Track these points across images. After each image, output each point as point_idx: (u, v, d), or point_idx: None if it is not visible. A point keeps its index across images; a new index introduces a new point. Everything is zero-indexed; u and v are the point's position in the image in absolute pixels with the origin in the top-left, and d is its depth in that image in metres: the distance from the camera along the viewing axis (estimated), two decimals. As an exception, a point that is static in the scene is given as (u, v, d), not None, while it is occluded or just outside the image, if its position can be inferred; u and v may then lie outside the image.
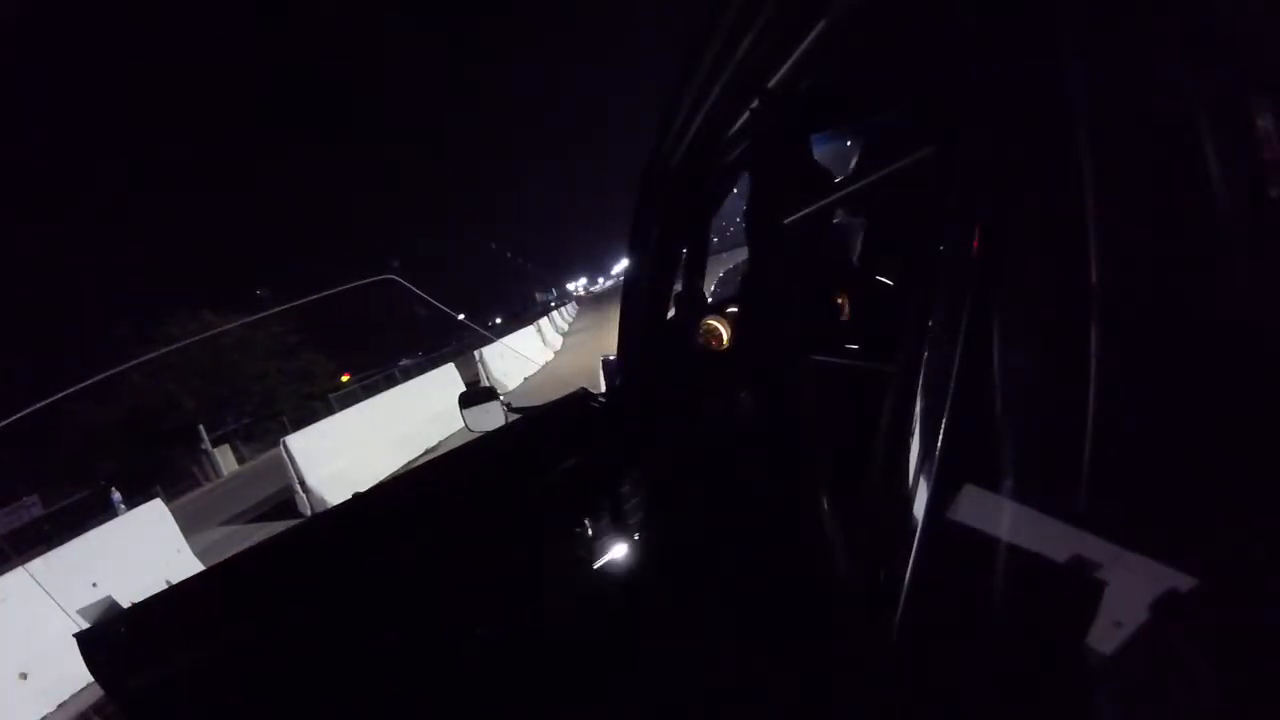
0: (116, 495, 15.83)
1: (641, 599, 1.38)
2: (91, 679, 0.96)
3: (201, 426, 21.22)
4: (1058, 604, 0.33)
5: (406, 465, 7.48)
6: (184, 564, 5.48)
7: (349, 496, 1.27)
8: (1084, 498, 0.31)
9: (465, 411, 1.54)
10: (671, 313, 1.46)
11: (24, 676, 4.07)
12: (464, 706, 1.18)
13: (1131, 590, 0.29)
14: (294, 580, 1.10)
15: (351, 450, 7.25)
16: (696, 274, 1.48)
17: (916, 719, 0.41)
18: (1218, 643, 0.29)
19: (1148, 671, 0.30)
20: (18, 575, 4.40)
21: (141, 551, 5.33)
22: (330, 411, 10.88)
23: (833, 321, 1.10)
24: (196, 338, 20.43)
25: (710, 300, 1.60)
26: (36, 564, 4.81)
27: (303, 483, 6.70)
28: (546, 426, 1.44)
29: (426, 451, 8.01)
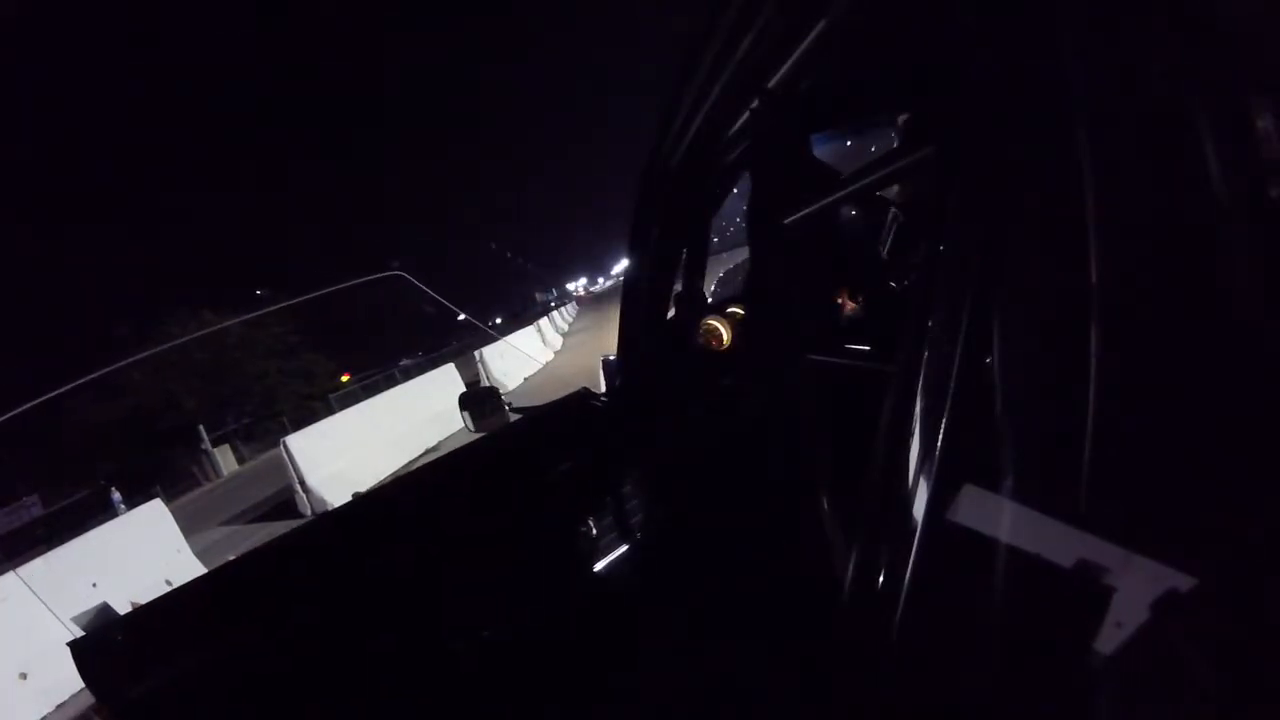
0: (116, 495, 15.82)
1: (641, 599, 1.38)
2: (90, 683, 0.95)
3: (201, 426, 21.22)
4: (1057, 604, 0.33)
5: (406, 465, 7.48)
6: (184, 564, 5.48)
7: (349, 497, 1.27)
8: (1084, 498, 0.31)
9: (466, 411, 1.55)
10: (671, 313, 1.46)
11: (24, 677, 4.07)
12: (465, 707, 1.18)
13: (1131, 590, 0.29)
14: (294, 584, 1.10)
15: (352, 450, 7.25)
16: (696, 274, 1.48)
17: (916, 719, 0.41)
18: (1218, 643, 0.29)
19: (1148, 671, 0.30)
20: (19, 574, 4.41)
21: (141, 552, 5.32)
22: (330, 411, 10.89)
23: (833, 321, 1.10)
24: (196, 334, 20.43)
25: (710, 300, 1.60)
26: (37, 564, 4.81)
27: (303, 483, 6.70)
28: (547, 426, 1.45)
29: (427, 452, 8.02)
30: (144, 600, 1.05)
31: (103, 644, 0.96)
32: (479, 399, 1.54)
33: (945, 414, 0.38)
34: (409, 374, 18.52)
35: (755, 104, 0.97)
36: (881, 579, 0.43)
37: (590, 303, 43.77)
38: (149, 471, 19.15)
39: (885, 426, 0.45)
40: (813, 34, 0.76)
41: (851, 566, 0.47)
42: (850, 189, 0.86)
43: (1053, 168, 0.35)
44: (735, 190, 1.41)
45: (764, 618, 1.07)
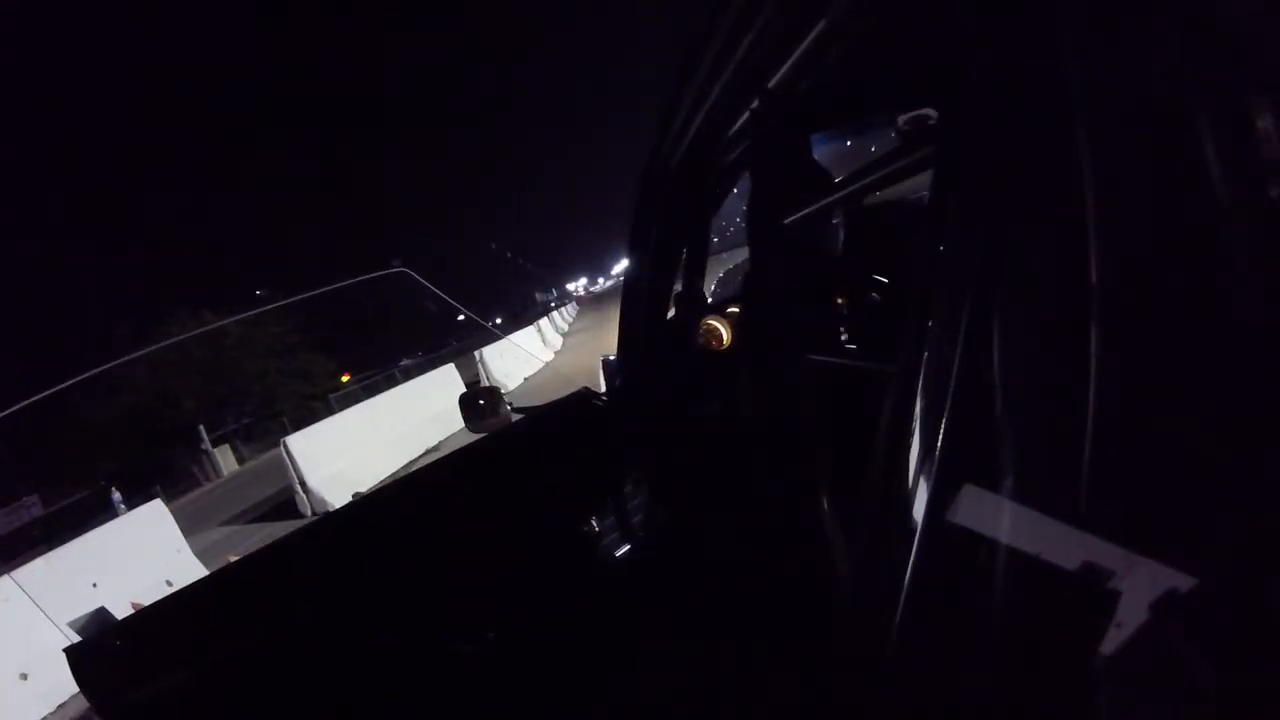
0: (116, 495, 15.83)
1: (641, 599, 1.38)
2: (90, 684, 0.95)
3: (202, 426, 21.23)
4: (1057, 604, 0.33)
5: (407, 466, 7.48)
6: (184, 564, 5.48)
7: (349, 497, 1.27)
8: (1084, 498, 0.31)
9: (466, 411, 1.54)
10: (671, 313, 1.46)
11: (24, 677, 4.07)
12: (465, 707, 1.18)
13: (1131, 590, 0.29)
14: (294, 585, 1.10)
15: (352, 450, 7.26)
16: (696, 274, 1.48)
17: (916, 719, 0.41)
18: (1218, 643, 0.29)
19: (1148, 671, 0.30)
20: (19, 575, 4.41)
21: (142, 552, 5.32)
22: (330, 411, 10.89)
23: (833, 321, 1.10)
24: (196, 332, 20.40)
25: (710, 300, 1.60)
26: (37, 564, 4.81)
27: (303, 483, 6.70)
28: (547, 426, 1.45)
29: (427, 452, 8.02)
30: (144, 600, 1.05)
31: (99, 650, 0.96)
32: (479, 399, 1.54)
33: (945, 414, 0.38)
34: (409, 374, 18.52)
35: (755, 104, 0.97)
36: (881, 579, 0.43)
37: (590, 303, 43.77)
38: (149, 471, 19.16)
39: (885, 426, 0.45)
40: (813, 34, 0.76)
41: (851, 566, 0.47)
42: (850, 189, 0.86)
43: (1053, 168, 0.35)
44: (735, 190, 1.41)
45: (764, 618, 1.06)
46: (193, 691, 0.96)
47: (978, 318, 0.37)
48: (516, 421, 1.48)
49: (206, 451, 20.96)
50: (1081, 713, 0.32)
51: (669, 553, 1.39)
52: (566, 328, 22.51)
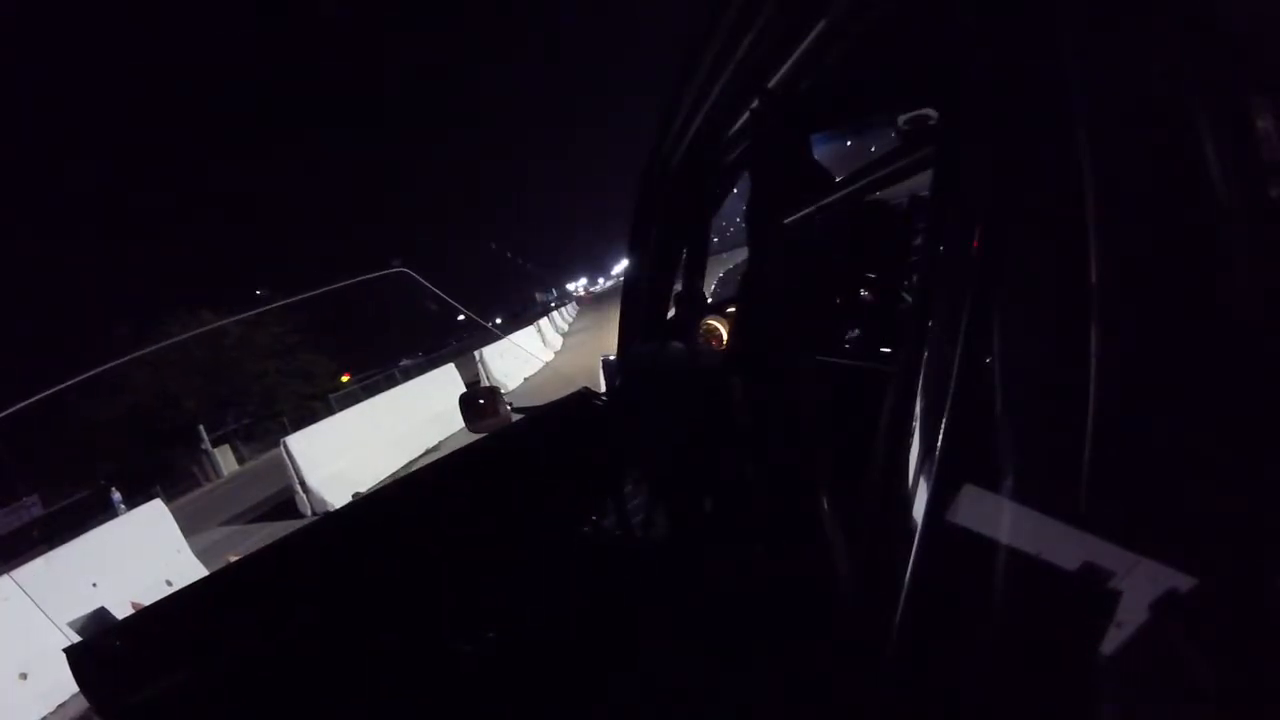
0: (116, 495, 15.83)
1: (641, 599, 1.38)
2: (90, 684, 0.95)
3: (202, 426, 21.23)
4: (1057, 604, 0.33)
5: (407, 465, 7.48)
6: (184, 564, 5.48)
7: (349, 497, 1.28)
8: (1084, 498, 0.31)
9: (466, 411, 1.54)
10: (671, 313, 1.46)
11: (24, 677, 4.07)
12: (465, 707, 1.18)
13: (1131, 590, 0.29)
14: (294, 585, 1.10)
15: (352, 451, 7.25)
16: (696, 274, 1.48)
17: (916, 719, 0.41)
18: (1218, 643, 0.29)
19: (1148, 671, 0.30)
20: (19, 575, 4.40)
21: (142, 552, 5.32)
22: (330, 411, 10.89)
23: (833, 321, 1.10)
24: (196, 331, 20.39)
25: (710, 300, 1.60)
26: (38, 564, 4.80)
27: (303, 483, 6.70)
28: (547, 426, 1.45)
29: (427, 452, 8.02)
30: (144, 600, 1.05)
31: (99, 650, 0.96)
32: (479, 399, 1.53)
33: (945, 414, 0.38)
34: (409, 374, 18.52)
35: (755, 104, 0.97)
36: (881, 579, 0.43)
37: (590, 303, 43.76)
38: (149, 471, 19.17)
39: (885, 426, 0.45)
40: (813, 34, 0.76)
41: (851, 566, 0.47)
42: (850, 189, 0.86)
43: (1053, 168, 0.35)
44: (735, 190, 1.41)
45: (764, 618, 1.06)
46: (193, 692, 0.96)
47: (978, 318, 0.37)
48: (516, 421, 1.48)
49: (206, 451, 20.96)
50: (1081, 713, 0.32)
51: (669, 553, 1.39)
52: (566, 328, 22.51)
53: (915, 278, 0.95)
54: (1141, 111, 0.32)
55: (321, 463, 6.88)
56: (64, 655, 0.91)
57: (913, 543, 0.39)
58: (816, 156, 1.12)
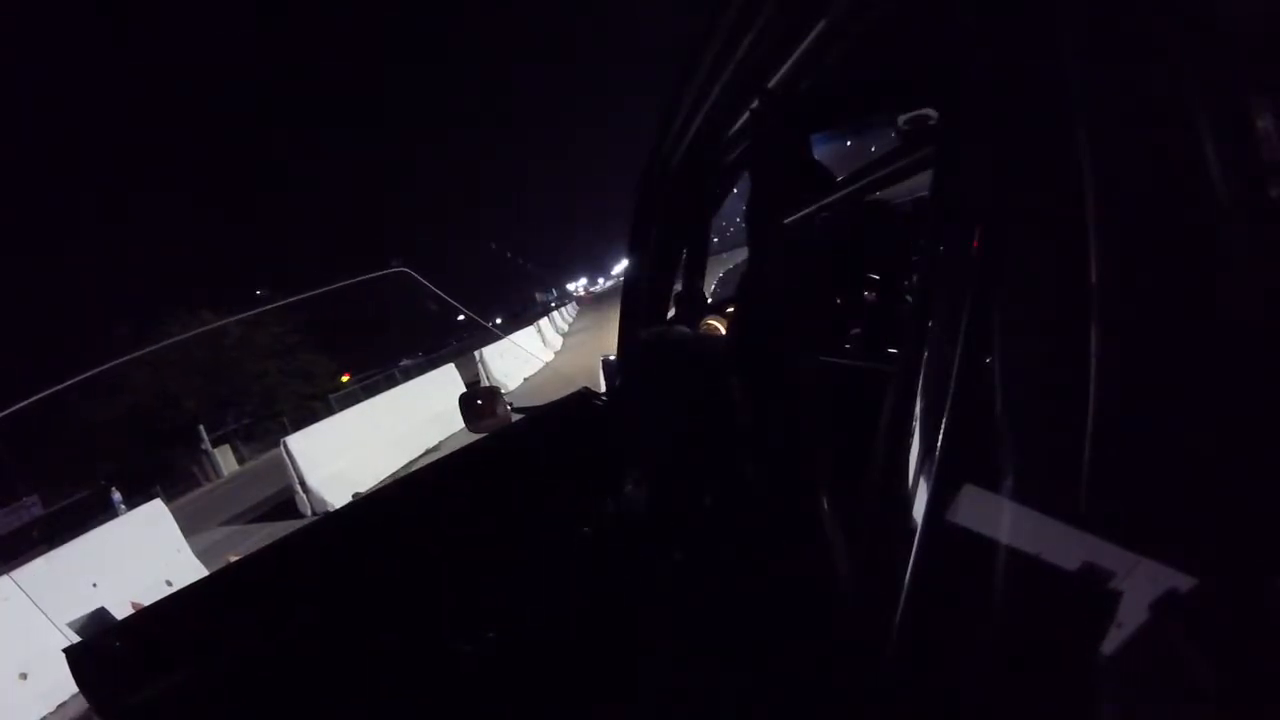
0: (116, 495, 15.83)
1: (641, 599, 1.38)
2: (90, 685, 0.95)
3: (202, 426, 21.24)
4: (1057, 604, 0.33)
5: (407, 466, 7.48)
6: (184, 564, 5.48)
7: (349, 497, 1.28)
8: (1084, 498, 0.31)
9: (466, 411, 1.54)
10: (671, 313, 1.46)
11: (24, 677, 4.07)
12: (465, 707, 1.18)
13: (1131, 590, 0.29)
14: (295, 585, 1.10)
15: (352, 451, 7.25)
16: (696, 274, 1.48)
17: (916, 719, 0.41)
18: (1218, 643, 0.29)
19: (1148, 671, 0.30)
20: (19, 575, 4.40)
21: (142, 552, 5.33)
22: (330, 411, 10.90)
23: (833, 321, 1.10)
24: (196, 331, 20.40)
25: (710, 300, 1.60)
26: (38, 564, 4.81)
27: (303, 483, 6.70)
28: (547, 426, 1.45)
29: (427, 452, 8.02)
30: (144, 600, 1.05)
31: (99, 650, 0.96)
32: (479, 399, 1.53)
33: (945, 414, 0.38)
34: (409, 374, 18.52)
35: (755, 104, 0.97)
36: (881, 579, 0.43)
37: (590, 303, 43.76)
38: (149, 471, 19.18)
39: (885, 426, 0.45)
40: (813, 34, 0.76)
41: (851, 566, 0.47)
42: (850, 189, 0.86)
43: (1053, 168, 0.35)
44: (735, 190, 1.41)
45: (764, 618, 1.06)
46: (193, 692, 0.96)
47: (978, 318, 0.37)
48: (516, 421, 1.48)
49: (206, 451, 20.97)
50: (1081, 713, 0.32)
51: (669, 552, 1.39)
52: (566, 328, 22.51)
53: (915, 278, 0.95)
54: (1141, 111, 0.32)
55: (321, 463, 6.88)
56: (64, 655, 0.91)
57: (913, 543, 0.39)
58: (816, 156, 1.12)
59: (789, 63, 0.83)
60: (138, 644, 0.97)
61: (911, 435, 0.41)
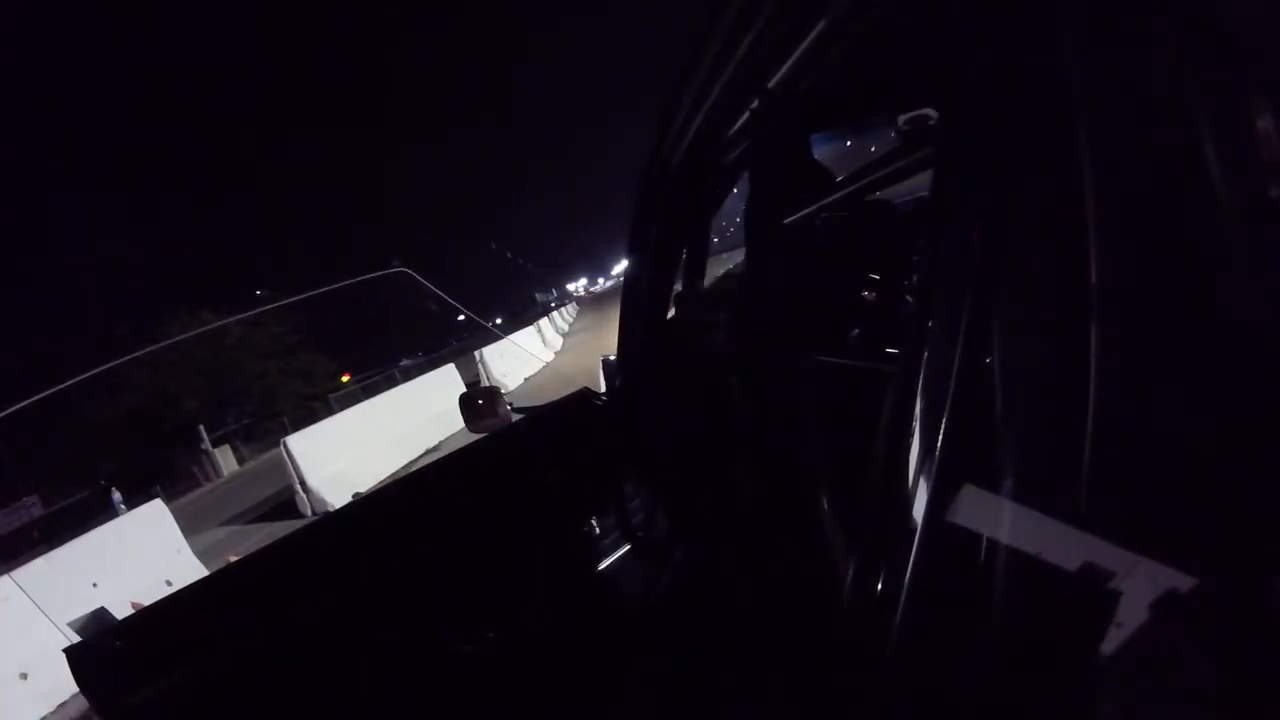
0: (117, 495, 15.83)
1: (641, 599, 1.38)
2: (91, 685, 0.95)
3: (202, 426, 21.25)
4: (1057, 604, 0.33)
5: (407, 466, 7.48)
6: (184, 564, 5.48)
7: (349, 497, 1.28)
8: (1084, 498, 0.31)
9: (467, 411, 1.54)
10: (671, 313, 1.46)
11: (24, 677, 4.07)
12: (465, 707, 1.18)
13: (1131, 590, 0.29)
14: (295, 585, 1.10)
15: (352, 451, 7.25)
16: (696, 274, 1.48)
17: (916, 719, 0.41)
18: (1218, 643, 0.29)
19: (1148, 671, 0.30)
20: (18, 575, 4.40)
21: (142, 552, 5.32)
22: (330, 412, 10.89)
23: (833, 321, 1.10)
24: (196, 331, 20.40)
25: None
26: (38, 564, 4.80)
27: (303, 483, 6.70)
28: (547, 426, 1.45)
29: (427, 452, 8.02)
30: (144, 600, 1.05)
31: (99, 650, 0.96)
32: (479, 399, 1.53)
33: (945, 414, 0.38)
34: (409, 374, 18.51)
35: (755, 104, 0.97)
36: (881, 579, 0.43)
37: (590, 303, 43.76)
38: (149, 471, 19.18)
39: (885, 426, 0.45)
40: (813, 34, 0.76)
41: (851, 566, 0.47)
42: (850, 189, 0.86)
43: (1053, 168, 0.35)
44: (735, 190, 1.41)
45: (764, 618, 1.06)
46: (193, 691, 0.96)
47: (978, 318, 0.37)
48: (516, 421, 1.48)
49: (206, 451, 20.97)
50: (1081, 713, 0.32)
51: (669, 553, 1.39)
52: (566, 328, 22.51)
53: (915, 278, 0.95)
54: (1141, 111, 0.32)
55: (321, 463, 6.88)
56: (64, 655, 0.91)
57: (913, 543, 0.39)
58: (816, 156, 1.12)
59: (789, 63, 0.83)
60: (138, 644, 0.97)
61: (911, 435, 0.41)
